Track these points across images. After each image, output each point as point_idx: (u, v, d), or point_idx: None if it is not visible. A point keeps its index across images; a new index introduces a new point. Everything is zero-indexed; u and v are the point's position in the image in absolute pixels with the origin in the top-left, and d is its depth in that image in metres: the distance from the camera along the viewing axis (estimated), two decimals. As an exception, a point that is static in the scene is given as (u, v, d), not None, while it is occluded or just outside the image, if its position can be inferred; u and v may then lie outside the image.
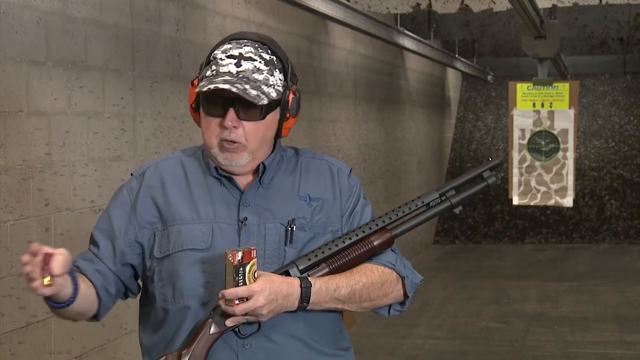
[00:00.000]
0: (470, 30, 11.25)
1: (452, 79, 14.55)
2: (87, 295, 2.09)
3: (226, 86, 2.06)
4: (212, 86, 2.07)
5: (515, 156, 8.04)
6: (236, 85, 2.06)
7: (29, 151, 3.83)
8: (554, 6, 7.85)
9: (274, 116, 2.16)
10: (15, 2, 3.72)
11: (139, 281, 2.24)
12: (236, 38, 2.16)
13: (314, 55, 7.62)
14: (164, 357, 2.07)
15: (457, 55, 12.04)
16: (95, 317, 2.18)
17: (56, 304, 2.02)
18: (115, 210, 2.18)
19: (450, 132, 14.77)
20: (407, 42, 8.93)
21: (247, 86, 2.07)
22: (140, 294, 2.26)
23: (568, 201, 8.06)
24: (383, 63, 10.01)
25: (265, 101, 2.09)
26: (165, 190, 2.17)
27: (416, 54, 9.69)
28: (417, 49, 9.37)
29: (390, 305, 2.21)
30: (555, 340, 7.27)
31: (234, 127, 2.10)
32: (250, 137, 2.11)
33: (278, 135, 2.19)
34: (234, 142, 2.11)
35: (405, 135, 11.25)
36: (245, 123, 2.10)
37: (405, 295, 2.20)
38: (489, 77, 14.77)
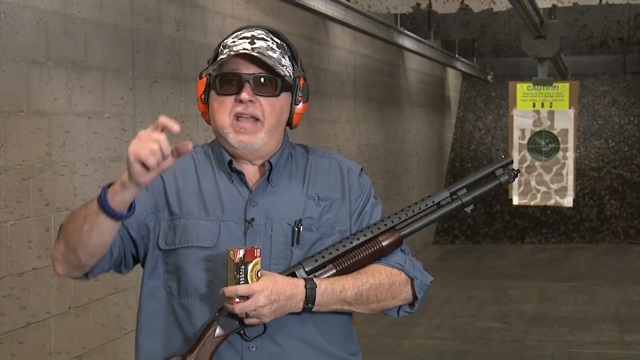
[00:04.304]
0: (470, 30, 11.24)
1: (452, 79, 14.54)
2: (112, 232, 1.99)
3: (247, 51, 2.05)
4: (232, 52, 2.06)
5: (515, 156, 8.04)
6: (254, 54, 2.06)
7: (29, 151, 3.83)
8: (554, 6, 7.84)
9: (286, 98, 2.14)
10: (15, 2, 3.71)
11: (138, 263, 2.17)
12: (245, 27, 2.17)
13: (314, 55, 7.62)
14: (167, 360, 2.04)
15: (457, 55, 12.03)
16: (86, 275, 2.10)
17: (114, 213, 1.95)
18: None
19: (450, 132, 14.76)
20: (407, 42, 8.92)
21: (264, 57, 2.07)
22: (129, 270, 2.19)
23: (568, 201, 8.07)
24: (383, 63, 10.00)
25: (281, 72, 2.08)
26: (176, 183, 2.14)
27: (416, 54, 9.69)
28: (417, 49, 9.37)
29: (399, 307, 2.18)
30: (555, 340, 7.27)
31: (251, 100, 2.07)
32: (267, 113, 2.09)
33: (289, 123, 2.18)
34: (251, 117, 2.08)
35: (405, 135, 11.24)
36: (261, 99, 2.09)
37: (415, 296, 2.16)
38: (489, 77, 14.76)
